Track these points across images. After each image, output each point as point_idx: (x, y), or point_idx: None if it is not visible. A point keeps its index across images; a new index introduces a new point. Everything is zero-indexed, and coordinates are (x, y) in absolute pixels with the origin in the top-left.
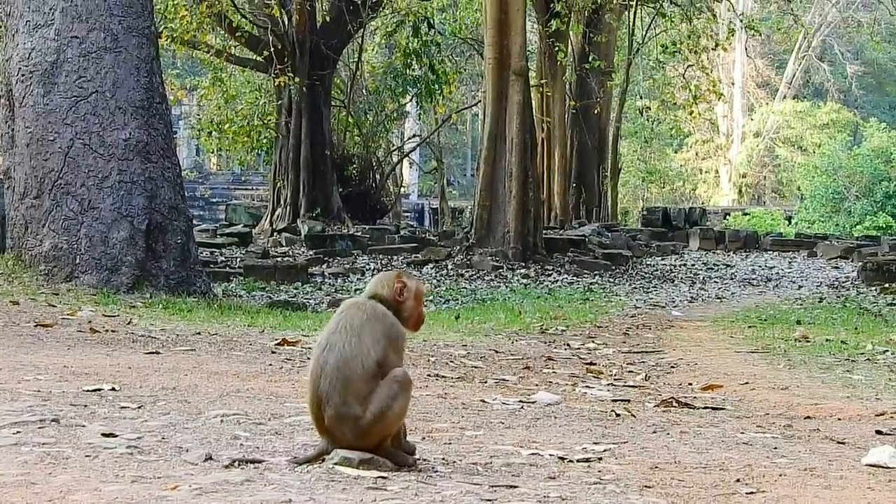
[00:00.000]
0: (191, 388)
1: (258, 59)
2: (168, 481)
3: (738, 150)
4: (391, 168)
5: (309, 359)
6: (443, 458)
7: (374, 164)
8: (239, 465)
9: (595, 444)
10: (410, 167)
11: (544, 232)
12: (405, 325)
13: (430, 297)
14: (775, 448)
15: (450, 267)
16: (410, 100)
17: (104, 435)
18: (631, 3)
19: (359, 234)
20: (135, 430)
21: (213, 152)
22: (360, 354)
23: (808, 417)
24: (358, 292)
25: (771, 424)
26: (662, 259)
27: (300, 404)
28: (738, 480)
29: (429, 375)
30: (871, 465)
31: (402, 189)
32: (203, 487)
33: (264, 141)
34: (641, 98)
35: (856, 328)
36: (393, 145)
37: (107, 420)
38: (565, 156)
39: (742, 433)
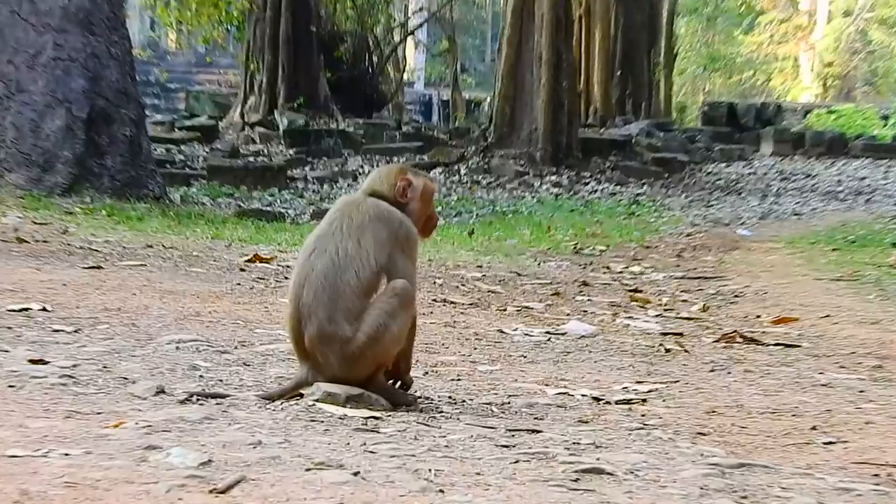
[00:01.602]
0: (140, 309)
1: None
2: (110, 417)
3: (822, 32)
4: (392, 49)
5: (287, 278)
6: (449, 397)
7: (370, 43)
8: (197, 399)
9: (638, 383)
10: (416, 48)
11: (581, 130)
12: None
13: (439, 208)
14: (861, 392)
15: (463, 172)
16: None
17: (32, 362)
18: None
19: (350, 129)
20: (70, 356)
21: (171, 26)
22: (357, 260)
23: None
24: None
25: (857, 365)
26: (727, 166)
27: (274, 330)
28: (813, 428)
29: (434, 300)
30: None
31: (406, 76)
32: (153, 425)
33: (235, 13)
34: None
35: None
36: (394, 21)
37: (35, 345)
38: (608, 36)
39: (821, 374)
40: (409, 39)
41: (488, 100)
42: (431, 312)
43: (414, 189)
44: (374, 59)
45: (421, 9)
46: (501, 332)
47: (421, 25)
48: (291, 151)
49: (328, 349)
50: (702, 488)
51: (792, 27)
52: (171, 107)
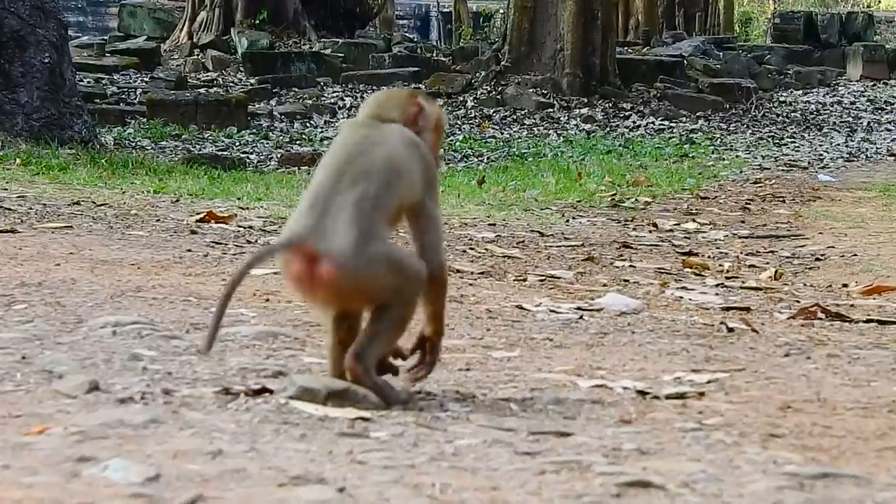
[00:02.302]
0: (66, 283)
1: None
2: (32, 421)
3: None
4: None
5: (250, 242)
6: (457, 392)
7: None
8: (142, 398)
9: (694, 371)
10: None
11: (619, 50)
12: None
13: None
14: None
15: (470, 104)
16: None
17: None
18: None
19: (327, 52)
20: None
21: None
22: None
23: None
24: (328, 143)
25: None
26: (804, 94)
27: (235, 308)
28: None
29: None
30: None
31: None
32: (86, 431)
33: None
34: None
35: None
36: None
37: None
38: None
39: None
40: None
41: (501, 12)
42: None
43: (427, 117)
44: None
45: None
46: (521, 308)
47: None
48: (253, 81)
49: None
50: None
51: None
52: (100, 25)
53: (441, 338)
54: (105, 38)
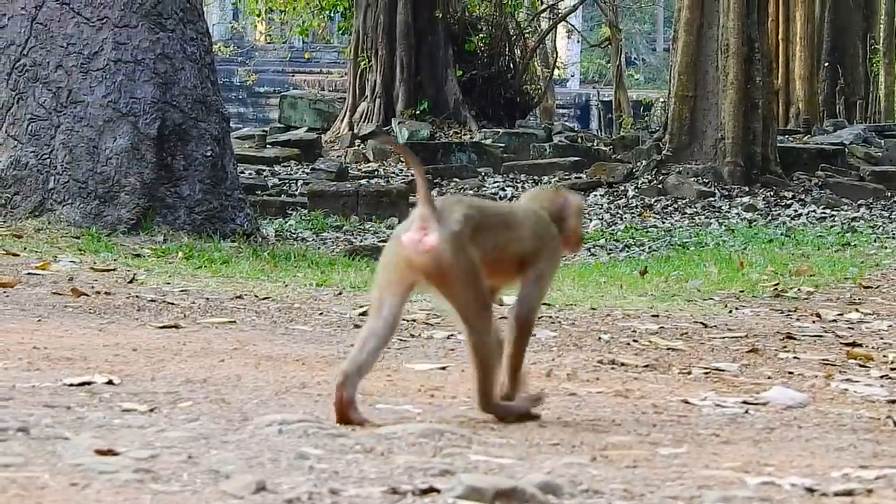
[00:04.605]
0: (231, 380)
1: None
2: None
3: None
4: (539, 39)
5: (413, 336)
6: (624, 490)
7: (511, 32)
8: (309, 498)
9: (862, 468)
10: (569, 38)
11: (780, 139)
12: (566, 246)
13: (601, 241)
14: None
15: (631, 193)
16: None
17: (99, 452)
18: None
19: (488, 141)
20: (146, 444)
21: (259, 15)
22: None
23: None
24: None
25: None
26: None
27: (400, 405)
28: None
29: (600, 362)
30: None
31: (557, 72)
32: None
33: None
34: None
35: None
36: (541, 2)
37: (102, 429)
38: (812, 18)
39: None
40: (560, 26)
41: (661, 101)
42: (597, 379)
43: (569, 206)
44: (517, 52)
45: None
46: (686, 402)
47: (575, 9)
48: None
49: None
50: None
51: None
52: (261, 116)
53: (514, 385)
54: (266, 129)
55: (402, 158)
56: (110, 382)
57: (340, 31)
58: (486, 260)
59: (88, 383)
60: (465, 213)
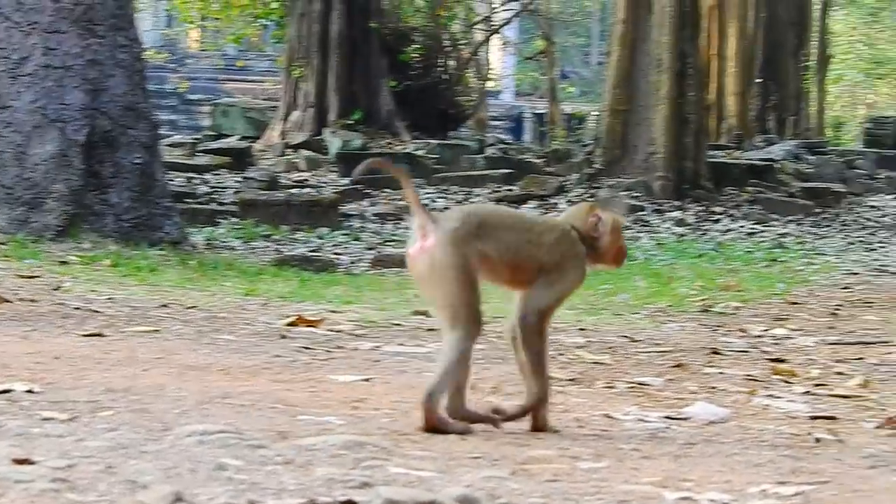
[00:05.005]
0: (153, 389)
1: None
2: None
3: None
4: (473, 50)
5: (340, 347)
6: None
7: (445, 43)
8: None
9: (780, 483)
10: (503, 50)
11: (711, 154)
12: (602, 261)
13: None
14: None
15: (562, 206)
16: None
17: (16, 461)
18: None
19: (421, 152)
20: (64, 453)
21: (193, 22)
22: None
23: None
24: None
25: None
26: (895, 198)
27: (323, 416)
28: None
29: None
30: None
31: (491, 84)
32: None
33: (274, 6)
34: None
35: None
36: (476, 14)
37: (20, 438)
38: (745, 35)
39: None
40: (495, 39)
41: (595, 114)
42: (521, 392)
43: (604, 223)
44: (451, 63)
45: None
46: (609, 416)
47: (509, 21)
48: (345, 181)
49: None
50: None
51: None
52: (193, 124)
53: (536, 399)
54: (198, 136)
55: (391, 172)
56: (31, 391)
57: (274, 40)
58: (503, 260)
59: (8, 391)
60: (466, 212)
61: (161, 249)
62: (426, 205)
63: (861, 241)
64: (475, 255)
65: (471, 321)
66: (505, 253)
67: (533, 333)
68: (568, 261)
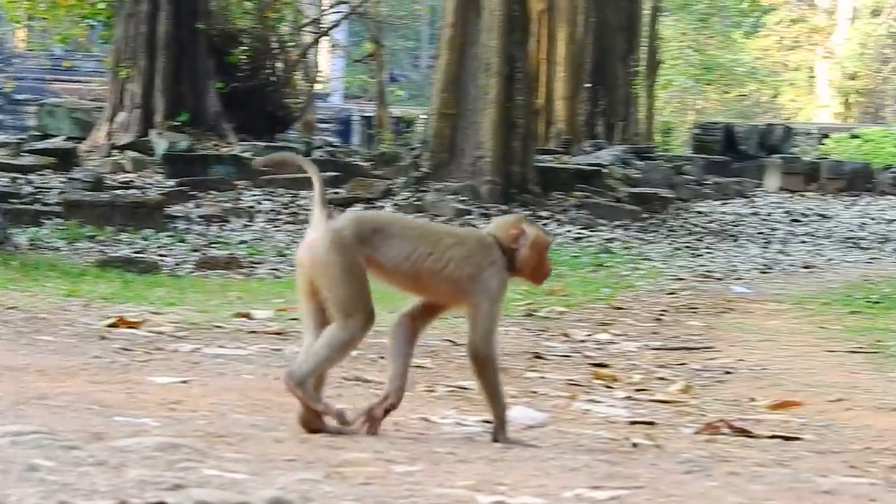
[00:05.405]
0: None
1: None
2: None
3: (845, 36)
4: (301, 53)
5: (159, 349)
6: None
7: (273, 45)
8: None
9: (594, 488)
10: (332, 52)
11: (539, 158)
12: (521, 275)
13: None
14: (872, 501)
15: (389, 210)
16: None
17: None
18: None
19: (247, 154)
20: None
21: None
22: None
23: None
24: (245, 247)
25: (870, 464)
26: (722, 204)
27: (138, 418)
28: None
29: (345, 378)
30: None
31: (319, 87)
32: None
33: (101, 6)
34: None
35: None
36: (304, 16)
37: None
38: (575, 39)
39: (823, 477)
40: (324, 41)
41: (423, 118)
42: (340, 395)
43: (526, 237)
44: (279, 65)
45: (339, 2)
46: (427, 420)
47: (338, 23)
48: (171, 182)
49: None
50: None
51: (807, 30)
52: (19, 124)
53: (500, 423)
54: (23, 137)
55: (301, 165)
56: None
57: (101, 41)
58: (399, 270)
59: None
60: (359, 216)
61: None
62: (329, 203)
63: (688, 247)
64: (360, 258)
65: (359, 315)
66: (401, 263)
67: (487, 361)
68: (483, 270)
